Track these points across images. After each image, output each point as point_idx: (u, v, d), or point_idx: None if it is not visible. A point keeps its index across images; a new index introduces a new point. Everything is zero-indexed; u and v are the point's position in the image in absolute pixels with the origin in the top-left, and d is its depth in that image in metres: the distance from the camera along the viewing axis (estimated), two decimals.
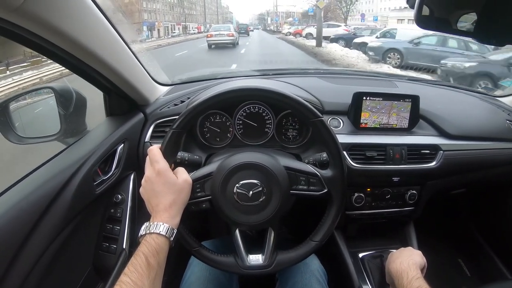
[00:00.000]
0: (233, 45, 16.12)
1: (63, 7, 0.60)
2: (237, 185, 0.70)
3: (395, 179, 1.01)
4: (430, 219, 1.37)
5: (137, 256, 0.57)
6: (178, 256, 0.94)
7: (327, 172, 0.74)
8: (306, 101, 0.74)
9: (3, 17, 0.52)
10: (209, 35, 16.42)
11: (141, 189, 0.69)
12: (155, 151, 0.69)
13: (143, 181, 0.68)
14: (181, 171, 0.70)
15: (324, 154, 0.77)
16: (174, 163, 0.71)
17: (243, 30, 31.29)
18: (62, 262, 0.75)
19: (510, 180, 1.18)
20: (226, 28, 17.17)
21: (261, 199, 0.70)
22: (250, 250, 0.74)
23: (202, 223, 1.32)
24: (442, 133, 1.06)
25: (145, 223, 0.63)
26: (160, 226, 0.61)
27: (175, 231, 0.63)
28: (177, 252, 1.00)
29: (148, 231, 0.61)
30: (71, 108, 0.92)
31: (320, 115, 0.73)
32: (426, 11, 0.68)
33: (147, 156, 0.69)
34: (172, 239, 0.62)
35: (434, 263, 0.92)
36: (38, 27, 0.58)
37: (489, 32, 0.65)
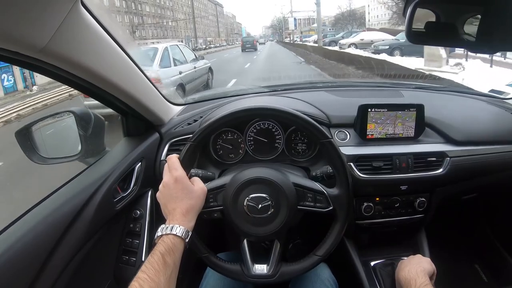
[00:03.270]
0: None
1: (83, 43, 0.67)
2: (248, 198, 0.74)
3: (403, 187, 1.02)
4: (443, 225, 1.36)
5: (153, 255, 0.60)
6: (195, 269, 0.97)
7: (333, 191, 0.77)
8: (315, 117, 0.77)
9: (31, 55, 0.59)
10: None
11: (158, 194, 0.73)
12: (174, 159, 0.73)
13: (160, 186, 0.72)
14: (197, 180, 0.74)
15: (330, 168, 0.80)
16: (189, 177, 0.76)
17: (249, 45, 27.05)
18: (84, 274, 0.80)
19: None
20: None
21: (269, 212, 0.74)
22: (257, 260, 0.77)
23: (218, 236, 1.36)
24: (448, 140, 1.07)
25: (162, 225, 0.67)
26: (177, 228, 0.65)
27: (190, 234, 0.67)
28: (194, 265, 1.04)
29: (165, 232, 0.65)
30: (90, 129, 0.96)
31: (329, 136, 0.77)
32: (431, 17, 0.71)
33: (166, 164, 0.74)
34: (187, 240, 0.66)
35: (450, 269, 0.92)
36: (62, 62, 0.65)
37: (490, 40, 0.67)
